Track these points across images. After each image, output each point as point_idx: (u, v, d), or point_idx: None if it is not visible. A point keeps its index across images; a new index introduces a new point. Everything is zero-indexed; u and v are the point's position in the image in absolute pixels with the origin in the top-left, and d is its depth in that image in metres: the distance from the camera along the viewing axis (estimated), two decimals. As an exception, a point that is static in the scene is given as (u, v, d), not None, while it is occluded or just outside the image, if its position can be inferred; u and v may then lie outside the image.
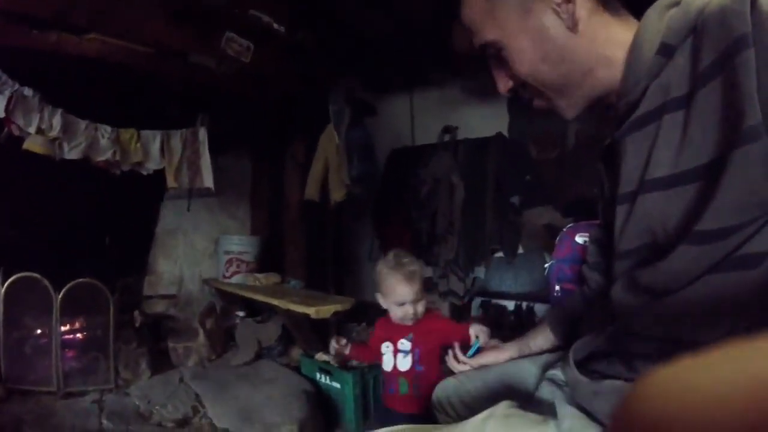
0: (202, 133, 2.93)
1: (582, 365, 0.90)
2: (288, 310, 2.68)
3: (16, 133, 2.22)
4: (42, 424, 2.08)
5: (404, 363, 1.69)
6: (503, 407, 0.83)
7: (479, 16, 0.81)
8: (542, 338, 1.22)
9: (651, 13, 0.74)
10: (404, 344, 1.68)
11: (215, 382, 2.60)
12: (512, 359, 1.23)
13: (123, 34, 2.20)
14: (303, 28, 2.80)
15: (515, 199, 3.49)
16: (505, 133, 3.52)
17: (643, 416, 0.26)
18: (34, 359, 2.41)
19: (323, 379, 2.56)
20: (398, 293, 1.63)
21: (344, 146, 3.33)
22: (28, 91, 2.20)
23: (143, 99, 2.69)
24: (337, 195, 3.35)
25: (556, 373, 1.03)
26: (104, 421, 2.15)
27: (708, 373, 0.26)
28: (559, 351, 1.17)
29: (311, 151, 3.49)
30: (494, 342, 1.33)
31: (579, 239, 1.55)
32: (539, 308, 3.10)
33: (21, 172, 2.43)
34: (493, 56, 0.84)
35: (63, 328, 2.47)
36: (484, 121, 3.58)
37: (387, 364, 1.72)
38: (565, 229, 1.67)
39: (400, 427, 0.93)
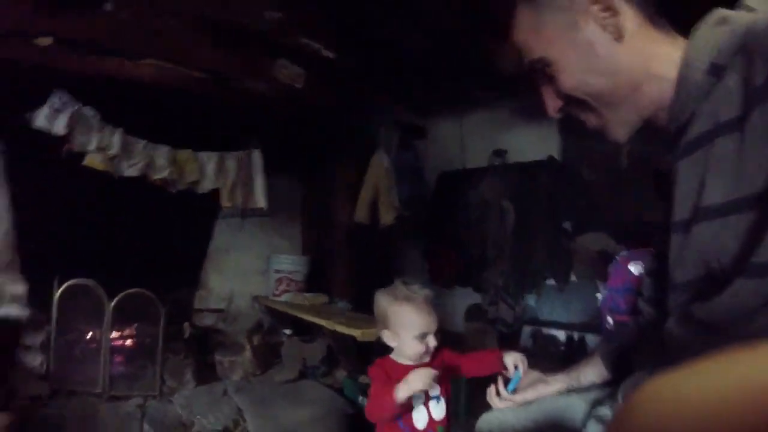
0: (256, 156, 3.02)
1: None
2: (334, 331, 2.69)
3: (77, 149, 2.37)
4: (84, 424, 2.17)
5: (438, 410, 1.42)
6: (547, 444, 0.79)
7: (527, 34, 0.83)
8: (594, 372, 1.14)
9: (699, 31, 0.72)
10: (435, 387, 1.37)
11: (258, 397, 2.63)
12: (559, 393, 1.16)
13: (177, 60, 2.31)
14: (351, 50, 2.86)
15: (567, 224, 3.38)
16: (557, 155, 3.44)
17: (639, 424, 0.27)
18: (83, 362, 2.53)
19: (365, 402, 2.54)
20: (419, 324, 1.38)
21: (393, 169, 3.35)
22: (88, 111, 2.35)
23: (199, 121, 2.81)
24: (386, 218, 3.36)
25: (605, 411, 0.97)
26: (145, 426, 2.21)
27: (701, 380, 0.26)
28: (608, 387, 1.11)
29: (360, 173, 3.52)
30: (537, 374, 1.23)
31: (633, 268, 1.46)
32: (591, 339, 2.95)
33: (82, 185, 2.57)
34: (541, 74, 0.84)
35: (113, 335, 2.59)
36: (534, 143, 3.51)
37: (420, 420, 1.39)
38: (618, 257, 1.59)
39: None
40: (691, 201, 0.71)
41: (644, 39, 0.76)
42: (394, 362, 1.46)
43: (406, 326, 1.40)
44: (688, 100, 0.71)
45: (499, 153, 3.67)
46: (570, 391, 1.16)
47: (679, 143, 0.74)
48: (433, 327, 1.41)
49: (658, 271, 0.98)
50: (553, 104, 0.86)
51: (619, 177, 3.04)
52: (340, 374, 2.97)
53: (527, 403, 1.16)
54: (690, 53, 0.71)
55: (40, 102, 2.24)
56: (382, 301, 1.48)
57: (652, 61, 0.76)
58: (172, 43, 2.29)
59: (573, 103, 0.83)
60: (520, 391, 1.19)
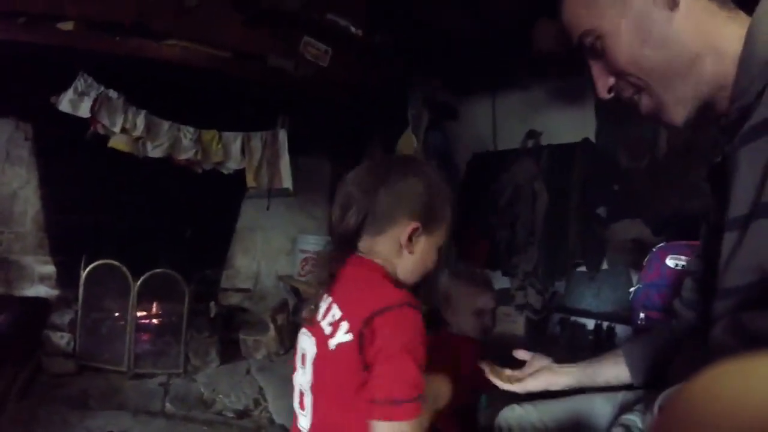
0: (282, 135, 2.99)
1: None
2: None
3: (102, 132, 2.39)
4: (108, 400, 2.23)
5: None
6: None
7: (578, 7, 0.79)
8: (612, 371, 1.05)
9: (766, 3, 0.63)
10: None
11: (280, 376, 2.65)
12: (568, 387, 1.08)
13: (201, 39, 2.29)
14: (381, 28, 2.78)
15: (601, 210, 3.26)
16: (592, 138, 3.30)
17: (693, 413, 0.27)
18: (109, 339, 2.60)
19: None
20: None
21: (422, 150, 3.27)
22: (113, 93, 2.36)
23: (224, 101, 2.79)
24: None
25: (633, 418, 0.91)
26: (167, 404, 2.26)
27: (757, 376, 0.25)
28: (638, 390, 1.03)
29: (389, 153, 3.46)
30: (545, 361, 1.11)
31: (670, 262, 1.37)
32: (621, 330, 2.86)
33: (108, 167, 2.61)
34: (590, 50, 0.79)
35: (139, 313, 2.65)
36: (569, 125, 3.37)
37: None
38: (655, 249, 1.49)
39: None
40: (751, 195, 0.63)
41: (702, 11, 0.70)
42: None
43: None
44: (751, 80, 0.63)
45: (533, 134, 3.55)
46: (586, 388, 1.07)
47: (740, 129, 0.65)
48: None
49: (702, 272, 0.90)
50: (603, 83, 0.80)
51: (659, 164, 2.89)
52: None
53: (551, 398, 1.09)
54: (755, 27, 0.64)
55: (66, 85, 2.26)
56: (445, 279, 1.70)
57: (710, 35, 0.70)
58: (197, 23, 2.27)
59: (625, 81, 0.78)
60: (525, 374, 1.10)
